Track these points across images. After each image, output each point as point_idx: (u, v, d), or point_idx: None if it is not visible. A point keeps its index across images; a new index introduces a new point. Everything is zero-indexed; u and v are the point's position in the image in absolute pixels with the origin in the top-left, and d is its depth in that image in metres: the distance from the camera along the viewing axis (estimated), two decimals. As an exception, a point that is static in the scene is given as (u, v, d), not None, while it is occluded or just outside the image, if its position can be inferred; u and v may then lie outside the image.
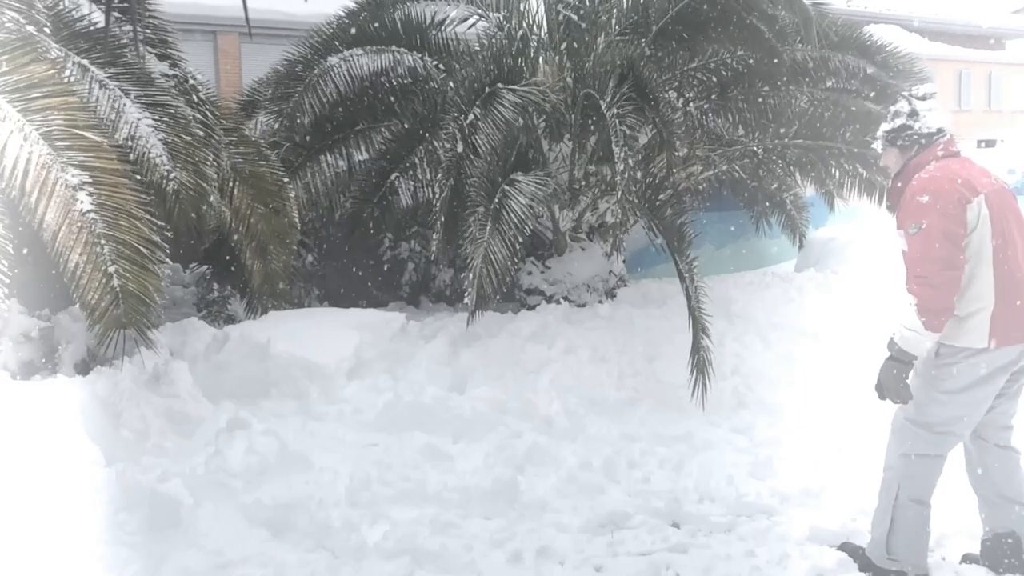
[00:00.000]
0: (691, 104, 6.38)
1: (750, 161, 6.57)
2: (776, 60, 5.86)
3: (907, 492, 3.06)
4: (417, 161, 6.34)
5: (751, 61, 6.11)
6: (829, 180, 6.91)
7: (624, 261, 6.66)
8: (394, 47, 6.57)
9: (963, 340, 2.91)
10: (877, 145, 3.20)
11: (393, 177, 6.34)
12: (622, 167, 5.08)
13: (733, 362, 5.23)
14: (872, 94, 6.35)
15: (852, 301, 6.38)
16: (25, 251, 3.93)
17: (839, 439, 4.47)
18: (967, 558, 3.24)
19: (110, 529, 3.28)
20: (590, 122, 5.95)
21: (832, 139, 6.24)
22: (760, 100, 6.28)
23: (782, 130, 6.31)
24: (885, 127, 3.15)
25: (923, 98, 3.13)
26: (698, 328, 4.78)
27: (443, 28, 6.66)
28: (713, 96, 6.35)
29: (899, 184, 3.05)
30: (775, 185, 7.52)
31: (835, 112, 6.27)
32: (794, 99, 6.31)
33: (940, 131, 3.06)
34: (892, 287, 6.48)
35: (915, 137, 3.06)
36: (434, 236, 5.57)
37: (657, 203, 5.37)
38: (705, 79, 6.33)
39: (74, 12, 4.51)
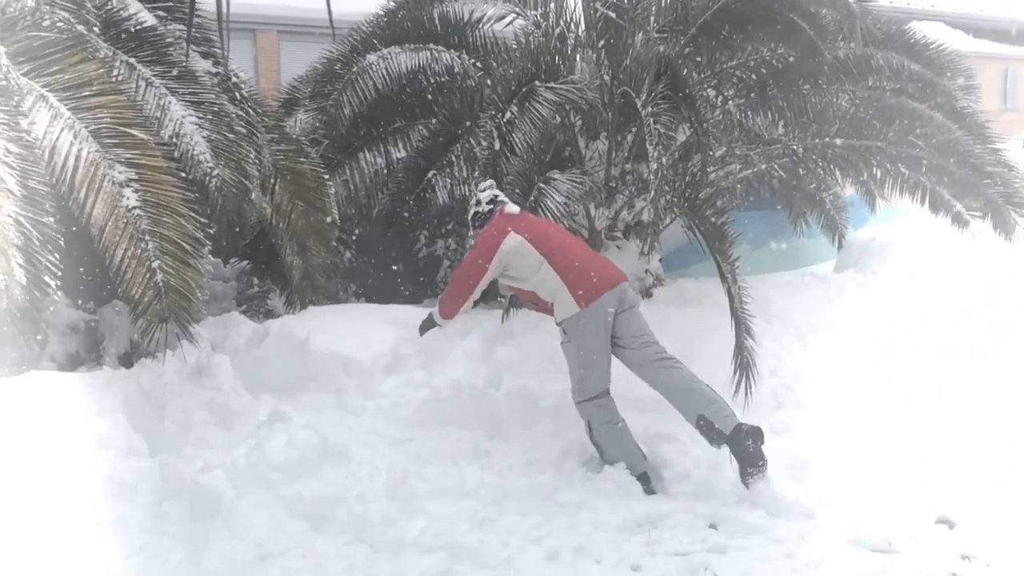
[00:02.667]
0: (730, 102, 6.32)
1: (789, 160, 6.49)
2: (817, 58, 5.78)
3: (599, 421, 4.10)
4: (454, 159, 6.36)
5: (791, 59, 6.03)
6: (870, 180, 6.81)
7: (660, 260, 6.63)
8: (432, 45, 6.59)
9: (568, 313, 4.06)
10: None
11: (430, 175, 6.37)
12: (655, 166, 5.06)
13: (771, 363, 5.18)
14: (916, 92, 6.25)
15: (892, 303, 6.31)
16: (69, 244, 4.00)
17: (878, 441, 4.42)
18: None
19: (154, 518, 3.36)
20: (627, 120, 5.93)
21: (874, 138, 6.13)
22: (800, 98, 6.19)
23: (823, 129, 6.22)
24: (469, 217, 4.48)
25: (481, 189, 4.46)
26: (741, 329, 4.74)
27: (480, 26, 6.67)
28: (752, 94, 6.28)
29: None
30: (814, 184, 7.43)
31: (878, 111, 6.17)
32: (835, 97, 6.21)
33: (492, 202, 4.38)
34: (933, 289, 6.45)
35: (483, 216, 4.37)
36: (469, 234, 5.58)
37: (697, 202, 5.33)
38: (744, 77, 6.27)
39: (122, 11, 4.58)
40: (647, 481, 4.01)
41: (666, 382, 4.12)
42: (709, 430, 3.94)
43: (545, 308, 4.27)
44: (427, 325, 4.45)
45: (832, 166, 6.65)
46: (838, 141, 6.17)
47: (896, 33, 6.45)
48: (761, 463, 3.83)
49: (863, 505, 3.74)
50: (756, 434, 3.86)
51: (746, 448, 3.83)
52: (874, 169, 6.51)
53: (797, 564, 3.25)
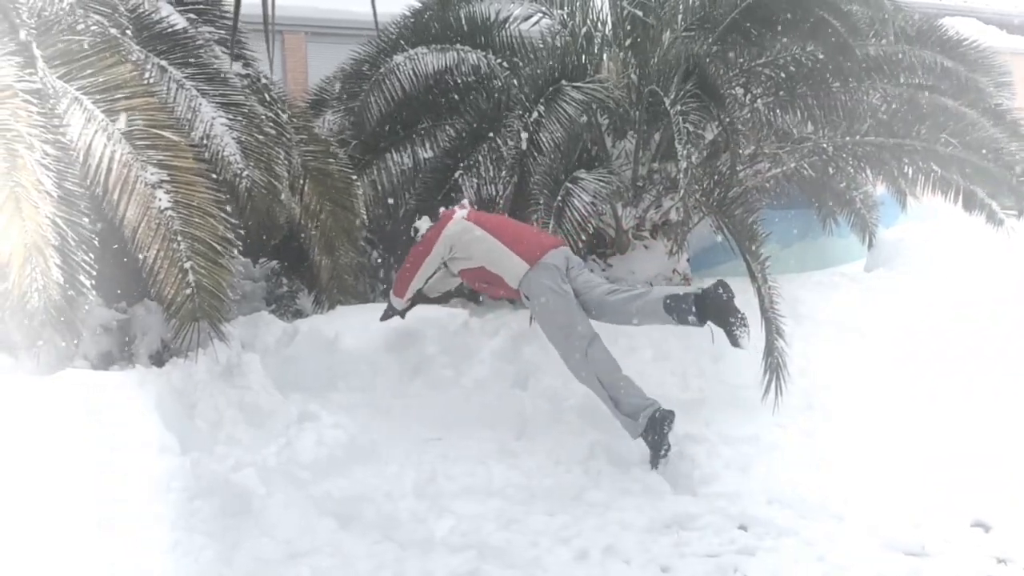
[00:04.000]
0: (758, 101, 6.27)
1: (819, 158, 6.43)
2: (848, 56, 5.72)
3: (604, 375, 4.14)
4: (481, 159, 6.37)
5: (821, 56, 5.97)
6: (901, 178, 6.72)
7: (688, 260, 6.59)
8: (458, 45, 6.61)
9: (519, 273, 4.28)
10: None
11: (457, 174, 6.38)
12: (685, 165, 5.03)
13: (801, 364, 5.11)
14: (949, 89, 6.16)
15: (923, 303, 6.21)
16: (102, 244, 4.06)
17: (909, 442, 4.37)
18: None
19: (185, 516, 3.38)
20: (654, 119, 5.90)
21: (906, 136, 6.05)
22: (830, 96, 6.13)
23: (853, 127, 6.16)
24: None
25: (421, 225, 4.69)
26: (771, 329, 4.70)
27: (507, 26, 6.68)
28: (781, 92, 6.23)
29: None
30: (844, 183, 7.35)
31: (910, 108, 6.09)
32: (866, 95, 6.14)
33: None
34: (965, 288, 6.35)
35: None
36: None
37: (726, 201, 5.29)
38: (773, 75, 6.21)
39: (154, 15, 4.64)
40: (671, 417, 4.03)
41: (618, 304, 4.22)
42: (678, 303, 4.02)
43: (499, 285, 4.39)
44: (387, 313, 4.77)
45: (862, 164, 6.58)
46: (869, 139, 6.10)
47: (928, 30, 6.37)
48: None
49: (895, 507, 3.69)
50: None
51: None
52: (906, 167, 6.43)
53: (828, 567, 3.21)
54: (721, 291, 3.92)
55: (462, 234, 4.42)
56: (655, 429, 4.03)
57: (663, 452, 4.05)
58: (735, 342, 3.94)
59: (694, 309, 3.95)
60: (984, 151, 6.05)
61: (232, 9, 4.52)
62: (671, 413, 4.06)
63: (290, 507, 3.48)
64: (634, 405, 4.10)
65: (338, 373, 4.85)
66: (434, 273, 4.59)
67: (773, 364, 4.65)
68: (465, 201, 4.80)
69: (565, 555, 3.33)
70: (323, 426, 4.00)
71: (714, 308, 3.92)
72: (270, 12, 2.77)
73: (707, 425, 4.69)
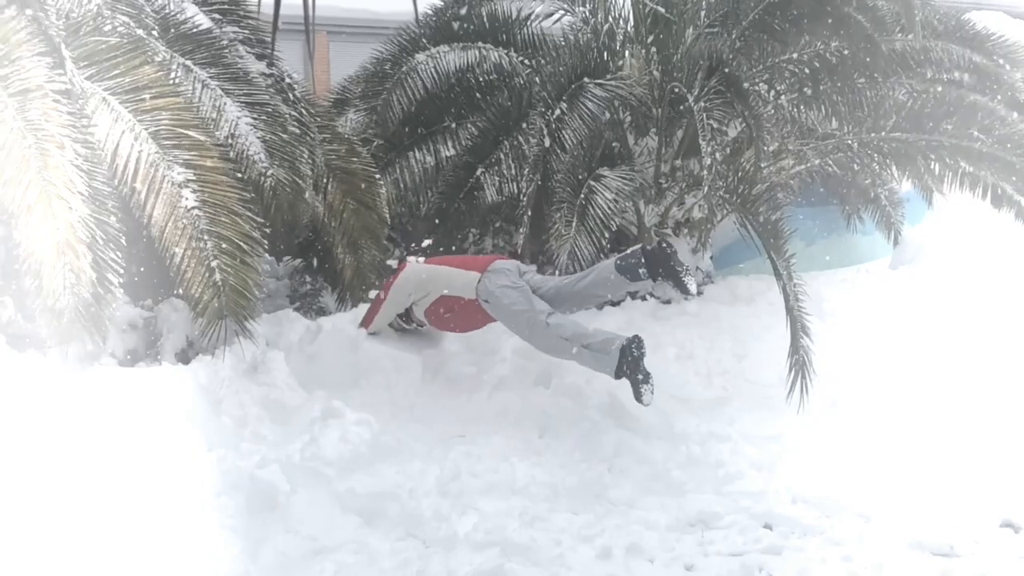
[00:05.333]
0: (782, 97, 6.23)
1: (844, 155, 6.36)
2: (873, 51, 5.67)
3: (570, 333, 4.31)
4: (502, 156, 6.36)
5: (846, 52, 5.92)
6: (928, 175, 6.64)
7: (712, 257, 6.55)
8: (480, 43, 6.62)
9: (472, 283, 4.53)
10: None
11: (479, 172, 6.38)
12: (709, 162, 5.01)
13: (826, 361, 5.06)
14: (977, 84, 6.08)
15: (950, 300, 6.14)
16: (128, 243, 4.10)
17: (937, 442, 4.32)
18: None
19: (211, 512, 3.41)
20: (677, 116, 5.87)
21: (933, 132, 5.98)
22: (855, 92, 6.07)
23: (878, 123, 6.09)
24: None
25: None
26: (797, 327, 4.67)
27: (529, 24, 6.68)
28: (805, 88, 6.18)
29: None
30: (869, 180, 7.27)
31: (936, 104, 6.02)
32: (892, 91, 6.07)
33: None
34: (993, 286, 6.26)
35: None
36: (520, 231, 5.59)
37: (750, 198, 5.26)
38: (797, 71, 6.17)
39: (179, 15, 4.67)
40: (638, 341, 4.15)
41: (573, 284, 4.52)
42: (627, 261, 4.30)
43: (463, 307, 4.63)
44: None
45: (888, 161, 6.50)
46: (895, 135, 6.04)
47: (955, 24, 6.30)
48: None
49: (923, 507, 3.66)
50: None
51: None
52: (932, 164, 6.35)
53: (856, 567, 3.18)
54: (665, 246, 4.30)
55: (415, 275, 4.74)
56: (626, 357, 4.12)
57: (642, 379, 4.13)
58: (685, 289, 4.26)
59: (644, 262, 4.25)
60: (1014, 147, 5.96)
61: (256, 9, 4.57)
62: (637, 337, 4.17)
63: (314, 504, 3.50)
64: (605, 339, 4.24)
65: (360, 371, 4.87)
66: (396, 316, 4.92)
67: (798, 362, 4.62)
68: (412, 258, 5.07)
69: (588, 553, 3.33)
70: (347, 423, 4.02)
71: (661, 261, 4.24)
72: (311, 13, 2.79)
73: (731, 423, 4.66)
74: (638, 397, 4.17)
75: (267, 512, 3.44)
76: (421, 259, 4.94)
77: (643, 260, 4.26)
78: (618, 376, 4.18)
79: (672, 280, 4.26)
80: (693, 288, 4.28)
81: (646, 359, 4.21)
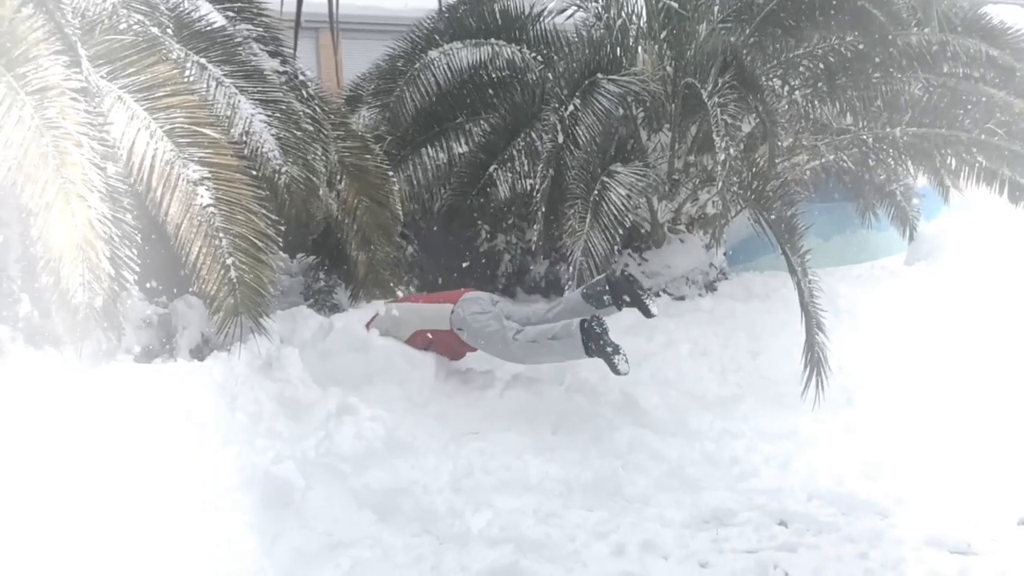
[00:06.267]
0: (796, 92, 6.20)
1: (859, 150, 6.34)
2: (889, 45, 5.63)
3: (538, 334, 4.47)
4: (515, 153, 6.36)
5: (861, 47, 5.89)
6: (944, 170, 6.59)
7: (726, 254, 6.53)
8: (493, 40, 6.61)
9: (445, 314, 4.72)
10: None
11: (492, 169, 6.38)
12: (723, 157, 4.99)
13: (841, 358, 5.03)
14: (995, 79, 6.02)
15: (966, 297, 6.10)
16: (143, 240, 4.12)
17: (952, 439, 4.29)
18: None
19: (226, 508, 3.42)
20: (691, 111, 5.85)
21: (949, 127, 5.94)
22: (870, 87, 6.05)
23: (894, 118, 6.05)
24: None
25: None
26: (812, 324, 4.65)
27: (541, 20, 6.67)
28: (820, 83, 6.15)
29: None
30: (884, 175, 7.23)
31: (953, 98, 5.97)
32: (908, 85, 6.04)
33: None
34: (1009, 283, 6.21)
35: None
36: (534, 227, 5.59)
37: (764, 194, 5.23)
38: (812, 66, 6.14)
39: (193, 13, 4.68)
40: (598, 319, 4.32)
41: (542, 315, 4.73)
42: (593, 289, 4.55)
43: (441, 338, 4.79)
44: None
45: (903, 156, 6.47)
46: (911, 130, 6.00)
47: (972, 17, 6.25)
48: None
49: (939, 504, 3.63)
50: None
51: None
52: (949, 159, 6.30)
53: (872, 564, 3.16)
54: (626, 275, 4.68)
55: (387, 315, 4.91)
56: (590, 335, 4.26)
57: (611, 351, 4.25)
58: (648, 312, 4.53)
59: (607, 289, 4.53)
60: (1030, 141, 5.92)
61: (268, 8, 4.56)
62: (596, 317, 4.34)
63: (330, 499, 3.51)
64: (565, 324, 4.41)
65: (373, 368, 4.87)
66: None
67: (813, 359, 4.60)
68: (383, 303, 5.19)
69: (603, 550, 3.32)
70: (361, 419, 4.02)
71: (624, 288, 4.52)
72: (335, 11, 2.79)
73: (745, 420, 4.65)
74: (613, 369, 4.26)
75: (282, 508, 3.45)
76: (392, 302, 5.11)
77: (607, 288, 4.55)
78: (588, 353, 4.31)
79: (636, 304, 4.52)
80: (655, 310, 4.55)
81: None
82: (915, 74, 6.01)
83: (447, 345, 4.85)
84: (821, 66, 6.09)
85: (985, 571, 3.13)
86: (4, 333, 4.11)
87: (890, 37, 5.56)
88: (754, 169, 5.51)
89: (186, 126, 4.03)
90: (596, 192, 5.29)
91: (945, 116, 5.96)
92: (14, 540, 3.00)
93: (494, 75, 6.66)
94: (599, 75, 5.62)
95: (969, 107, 5.95)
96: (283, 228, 4.43)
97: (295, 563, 3.22)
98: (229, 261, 3.98)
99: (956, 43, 5.85)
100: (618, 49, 6.03)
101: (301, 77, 5.10)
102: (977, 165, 6.19)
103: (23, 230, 4.00)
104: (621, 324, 5.44)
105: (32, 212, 3.69)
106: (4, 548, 2.97)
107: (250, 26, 4.97)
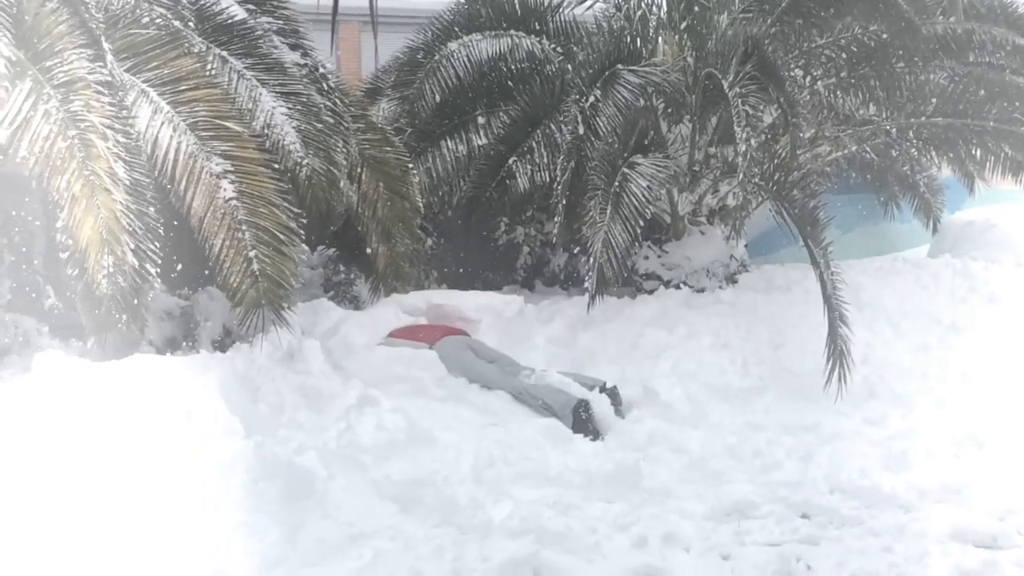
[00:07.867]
0: (819, 82, 6.14)
1: (882, 141, 6.28)
2: (913, 34, 5.55)
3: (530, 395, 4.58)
4: (535, 145, 6.35)
5: (885, 36, 5.82)
6: (969, 160, 6.51)
7: (746, 246, 6.49)
8: (512, 31, 6.60)
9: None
10: None
11: (511, 161, 6.37)
12: (744, 148, 4.95)
13: (863, 351, 5.00)
14: (1022, 68, 5.93)
15: (991, 289, 6.02)
16: (166, 233, 4.16)
17: (978, 433, 4.24)
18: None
19: (250, 498, 3.45)
20: (711, 102, 5.81)
21: (975, 117, 5.86)
22: (894, 77, 5.97)
23: (918, 108, 5.98)
24: None
25: None
26: (834, 316, 4.61)
27: (561, 11, 6.65)
28: (842, 73, 6.08)
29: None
30: (907, 166, 7.16)
31: (979, 88, 5.89)
32: (932, 75, 5.96)
33: None
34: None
35: None
36: (555, 219, 5.58)
37: (786, 185, 5.19)
38: (834, 56, 6.07)
39: (214, 7, 4.71)
40: (587, 406, 4.40)
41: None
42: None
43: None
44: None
45: (927, 147, 6.40)
46: (935, 120, 5.93)
47: (998, 6, 6.15)
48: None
49: (964, 498, 3.59)
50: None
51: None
52: (974, 149, 6.22)
53: (896, 558, 3.13)
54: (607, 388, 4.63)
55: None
56: (577, 420, 4.38)
57: (592, 437, 4.31)
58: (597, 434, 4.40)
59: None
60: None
61: (290, 1, 4.57)
62: (584, 402, 4.43)
63: (351, 490, 3.52)
64: (564, 402, 4.47)
65: (395, 358, 4.89)
66: None
67: (836, 351, 4.56)
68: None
69: (624, 542, 3.31)
70: (382, 410, 4.04)
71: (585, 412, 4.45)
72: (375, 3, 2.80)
73: (767, 413, 4.63)
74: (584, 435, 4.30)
75: (305, 498, 3.47)
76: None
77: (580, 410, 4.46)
78: (574, 430, 4.33)
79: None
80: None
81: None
82: (940, 63, 5.93)
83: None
84: (844, 56, 6.03)
85: (1011, 565, 3.10)
86: (30, 324, 4.17)
87: (915, 26, 5.48)
88: (776, 160, 5.47)
89: (209, 119, 4.07)
90: (617, 184, 5.27)
91: (971, 106, 5.88)
92: (40, 527, 3.04)
93: (513, 67, 6.64)
94: (619, 66, 5.59)
95: (996, 97, 5.87)
96: (304, 221, 4.45)
97: (318, 553, 3.23)
98: (252, 254, 4.01)
99: (982, 31, 5.77)
100: (638, 40, 6.00)
101: (321, 70, 5.12)
102: (1003, 156, 6.11)
103: (48, 223, 4.05)
104: (644, 314, 5.43)
105: (58, 205, 3.73)
106: (31, 535, 3.01)
107: (271, 19, 5.00)
